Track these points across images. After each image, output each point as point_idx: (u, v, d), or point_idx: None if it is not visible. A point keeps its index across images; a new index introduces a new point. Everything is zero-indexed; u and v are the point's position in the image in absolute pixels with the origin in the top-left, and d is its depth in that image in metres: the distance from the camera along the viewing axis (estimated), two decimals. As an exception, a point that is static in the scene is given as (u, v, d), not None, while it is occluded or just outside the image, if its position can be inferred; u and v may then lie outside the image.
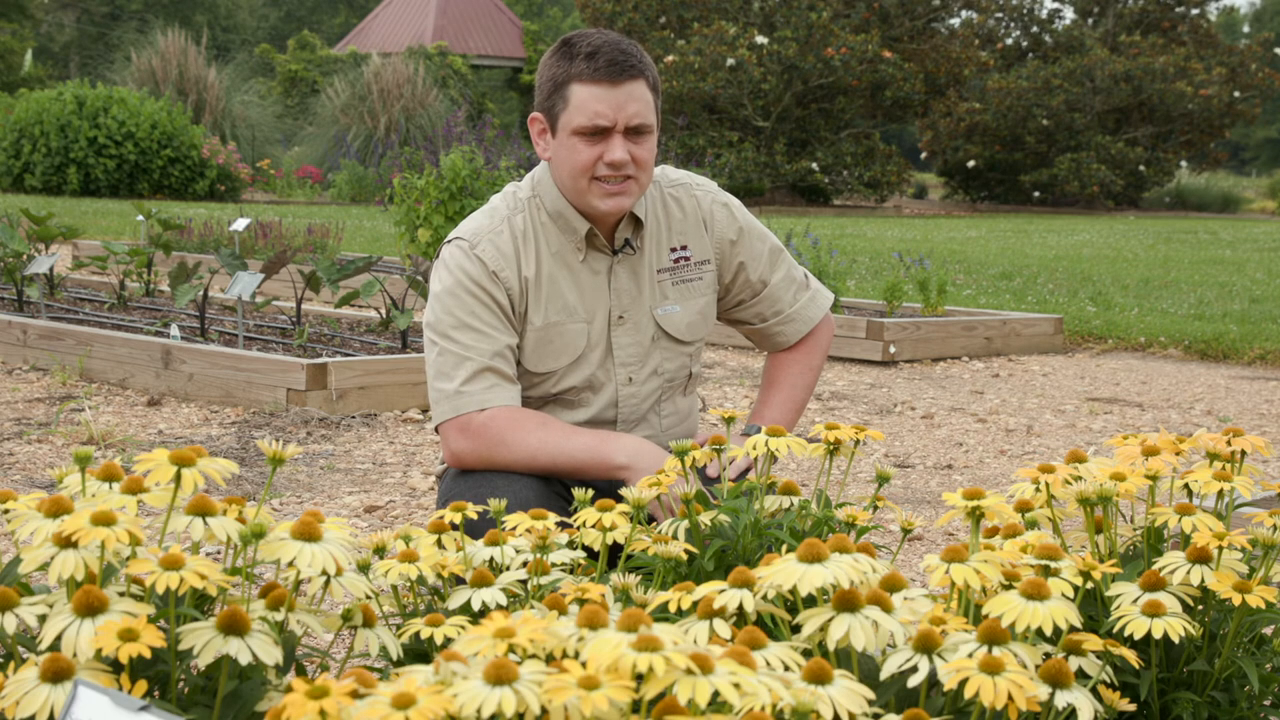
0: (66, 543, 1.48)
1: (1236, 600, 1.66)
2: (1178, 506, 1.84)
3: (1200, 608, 1.77)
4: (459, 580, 1.84)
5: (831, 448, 2.05)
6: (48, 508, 1.55)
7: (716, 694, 1.23)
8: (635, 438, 2.44)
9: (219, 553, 3.30)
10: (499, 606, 1.71)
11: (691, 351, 2.69)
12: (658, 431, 2.67)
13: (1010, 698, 1.36)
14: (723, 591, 1.52)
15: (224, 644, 1.43)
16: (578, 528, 1.90)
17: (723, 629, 1.47)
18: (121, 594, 1.50)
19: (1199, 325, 8.61)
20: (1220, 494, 1.94)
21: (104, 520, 1.47)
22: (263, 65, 32.67)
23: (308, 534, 1.55)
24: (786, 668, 1.35)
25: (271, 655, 1.45)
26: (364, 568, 1.84)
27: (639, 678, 1.25)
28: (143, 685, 1.39)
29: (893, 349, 7.40)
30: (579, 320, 2.56)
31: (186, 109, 22.39)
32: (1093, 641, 1.59)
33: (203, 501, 1.56)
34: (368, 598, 1.76)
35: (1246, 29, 58.27)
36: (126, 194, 20.91)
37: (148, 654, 1.37)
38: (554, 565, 1.84)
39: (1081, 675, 1.57)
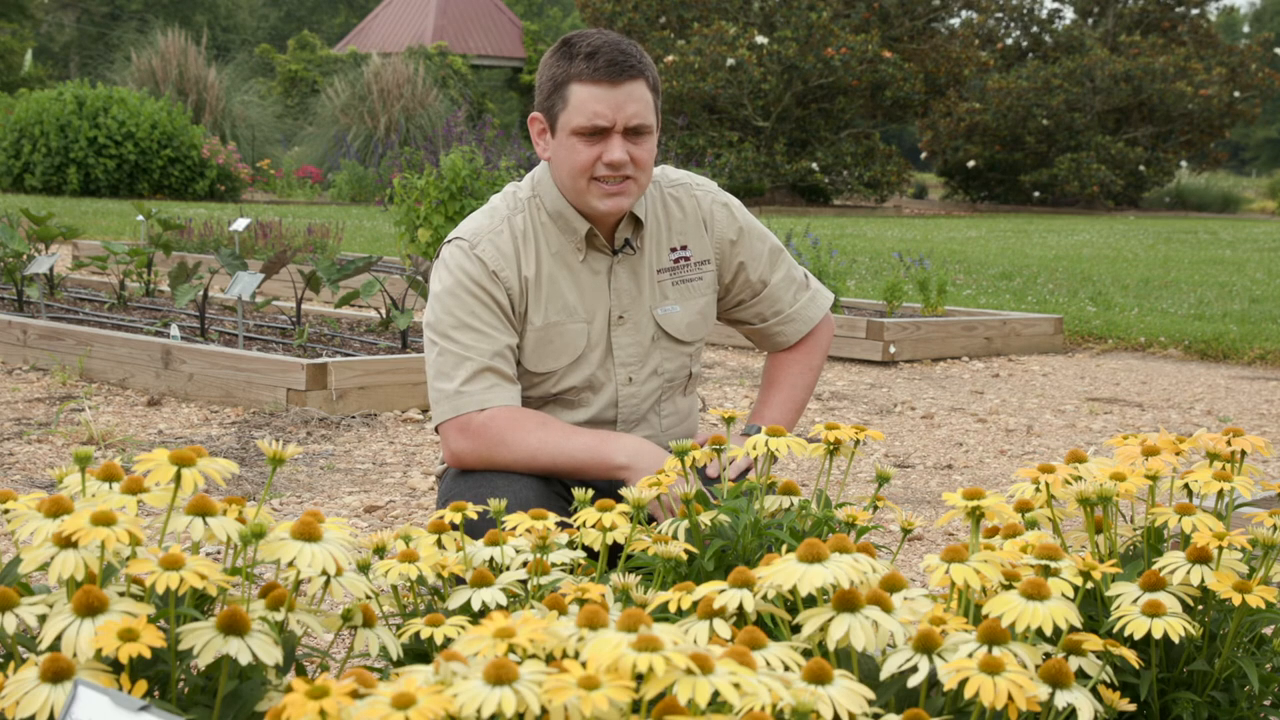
0: (66, 543, 1.48)
1: (1236, 600, 1.66)
2: (1178, 506, 1.84)
3: (1200, 608, 1.77)
4: (459, 580, 1.84)
5: (831, 448, 2.05)
6: (48, 508, 1.55)
7: (716, 694, 1.23)
8: (635, 438, 2.44)
9: (219, 553, 3.30)
10: (499, 606, 1.71)
11: (691, 351, 2.69)
12: (658, 431, 2.67)
13: (1010, 698, 1.36)
14: (723, 591, 1.52)
15: (224, 644, 1.43)
16: (578, 528, 1.90)
17: (723, 629, 1.47)
18: (121, 594, 1.50)
19: (1199, 325, 8.61)
20: (1220, 494, 1.94)
21: (104, 520, 1.47)
22: (263, 65, 32.67)
23: (308, 534, 1.55)
24: (786, 668, 1.35)
25: (271, 655, 1.45)
26: (364, 568, 1.84)
27: (639, 678, 1.25)
28: (143, 685, 1.39)
29: (893, 349, 7.40)
30: (579, 320, 2.56)
31: (186, 109, 22.40)
32: (1093, 641, 1.59)
33: (203, 501, 1.56)
34: (368, 598, 1.76)
35: (1246, 29, 58.27)
36: (126, 194, 20.91)
37: (148, 654, 1.37)
38: (554, 565, 1.84)
39: (1081, 675, 1.57)
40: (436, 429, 2.49)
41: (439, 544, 1.85)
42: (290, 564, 1.53)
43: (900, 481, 4.67)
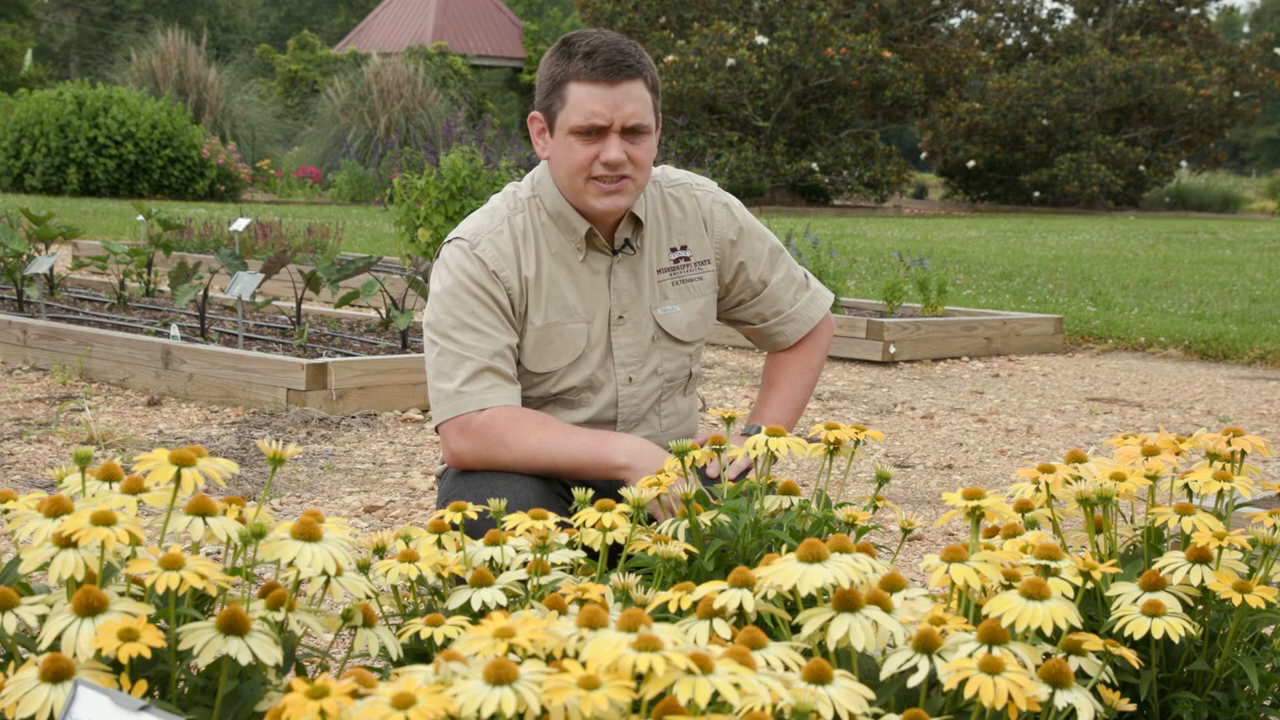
0: (66, 543, 1.48)
1: (1236, 600, 1.66)
2: (1178, 506, 1.84)
3: (1200, 608, 1.77)
4: (459, 580, 1.84)
5: (831, 448, 2.05)
6: (48, 508, 1.55)
7: (716, 694, 1.23)
8: (635, 438, 2.44)
9: (219, 553, 3.30)
10: (499, 606, 1.71)
11: (691, 351, 2.69)
12: (658, 431, 2.67)
13: (1010, 698, 1.36)
14: (723, 591, 1.52)
15: (224, 644, 1.43)
16: (578, 528, 1.90)
17: (723, 629, 1.47)
18: (121, 594, 1.50)
19: (1199, 325, 8.61)
20: (1220, 494, 1.93)
21: (104, 520, 1.47)
22: (263, 65, 32.67)
23: (308, 534, 1.55)
24: (786, 668, 1.35)
25: (271, 655, 1.45)
26: (364, 568, 1.84)
27: (639, 678, 1.25)
28: (143, 685, 1.39)
29: (893, 349, 7.40)
30: (579, 320, 2.56)
31: (186, 109, 22.39)
32: (1093, 641, 1.59)
33: (203, 501, 1.56)
34: (368, 598, 1.76)
35: (1246, 29, 58.27)
36: (126, 194, 20.91)
37: (148, 654, 1.37)
38: (554, 565, 1.84)
39: (1081, 675, 1.57)
40: (436, 429, 2.49)
41: (439, 544, 1.85)
42: (290, 564, 1.53)
43: (900, 481, 4.67)
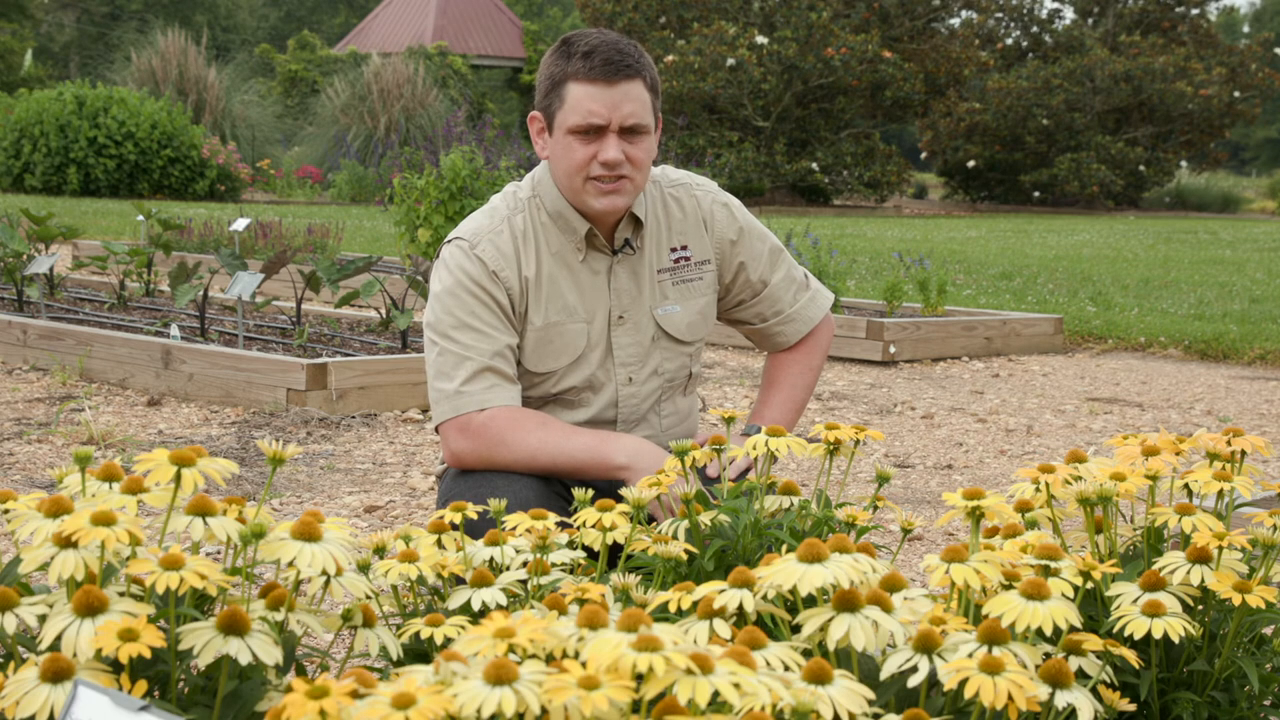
0: (66, 543, 1.48)
1: (1236, 600, 1.66)
2: (1178, 506, 1.84)
3: (1200, 608, 1.77)
4: (459, 580, 1.84)
5: (831, 448, 2.05)
6: (48, 508, 1.55)
7: (716, 694, 1.23)
8: (635, 438, 2.44)
9: (219, 553, 3.30)
10: (499, 606, 1.71)
11: (691, 351, 2.69)
12: (658, 431, 2.67)
13: (1010, 698, 1.36)
14: (723, 591, 1.52)
15: (224, 644, 1.43)
16: (578, 528, 1.90)
17: (723, 629, 1.47)
18: (121, 594, 1.50)
19: (1199, 325, 8.61)
20: (1220, 494, 1.93)
21: (104, 520, 1.47)
22: (263, 65, 32.66)
23: (308, 534, 1.55)
24: (786, 668, 1.35)
25: (271, 655, 1.45)
26: (364, 568, 1.84)
27: (639, 678, 1.25)
28: (143, 685, 1.39)
29: (893, 349, 7.40)
30: (579, 320, 2.56)
31: (186, 109, 22.39)
32: (1093, 641, 1.59)
33: (203, 501, 1.56)
34: (368, 598, 1.76)
35: (1246, 29, 58.27)
36: (126, 194, 20.91)
37: (148, 654, 1.37)
38: (554, 565, 1.84)
39: (1081, 675, 1.57)
40: (436, 429, 2.49)
41: (439, 544, 1.85)
42: (290, 564, 1.53)
43: (900, 481, 4.67)
